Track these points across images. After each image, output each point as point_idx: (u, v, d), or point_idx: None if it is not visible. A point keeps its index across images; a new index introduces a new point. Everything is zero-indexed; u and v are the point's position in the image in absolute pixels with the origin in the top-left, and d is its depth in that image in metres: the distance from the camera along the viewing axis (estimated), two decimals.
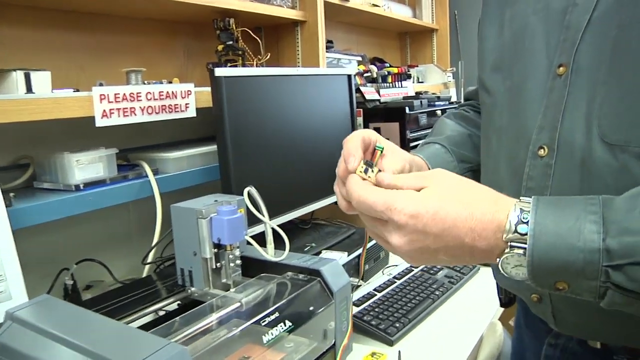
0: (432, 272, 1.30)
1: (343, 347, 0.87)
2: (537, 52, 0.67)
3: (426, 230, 0.52)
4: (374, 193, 0.56)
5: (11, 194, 0.97)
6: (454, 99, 2.26)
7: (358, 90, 1.76)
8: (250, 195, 0.92)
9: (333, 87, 1.50)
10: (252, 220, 0.94)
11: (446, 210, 0.53)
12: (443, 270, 1.31)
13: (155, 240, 1.13)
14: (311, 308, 0.89)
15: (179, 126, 1.35)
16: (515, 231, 0.51)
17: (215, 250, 0.92)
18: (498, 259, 0.52)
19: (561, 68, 0.64)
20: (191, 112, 1.21)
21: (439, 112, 1.90)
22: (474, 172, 0.86)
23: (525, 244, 0.50)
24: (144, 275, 1.14)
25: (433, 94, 2.25)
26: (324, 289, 0.89)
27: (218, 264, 0.93)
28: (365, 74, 1.88)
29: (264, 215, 0.92)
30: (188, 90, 1.20)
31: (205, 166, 1.29)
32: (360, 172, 0.61)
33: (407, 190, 0.56)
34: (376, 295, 1.17)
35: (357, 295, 1.17)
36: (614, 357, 0.67)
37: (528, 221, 0.51)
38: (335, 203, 0.68)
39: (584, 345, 0.71)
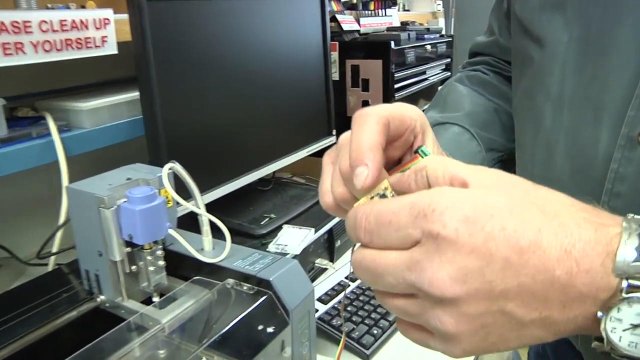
0: None
1: None
2: None
3: (490, 249, 0.29)
4: (398, 199, 0.32)
5: None
6: (443, 31, 1.97)
7: (334, 18, 1.46)
8: (175, 173, 0.66)
9: (300, 13, 1.20)
10: (187, 195, 0.69)
11: (522, 217, 0.29)
12: None
13: (61, 221, 0.87)
14: (259, 329, 0.65)
15: (104, 61, 1.06)
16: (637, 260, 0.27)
17: (128, 249, 0.67)
18: (600, 314, 0.29)
19: None
20: (110, 48, 0.91)
21: (428, 47, 1.62)
22: (504, 164, 0.61)
23: None
24: (51, 267, 0.89)
25: (420, 24, 1.95)
26: (277, 305, 0.66)
27: (133, 267, 0.69)
28: None
29: (195, 203, 0.67)
30: (105, 19, 0.90)
31: (135, 117, 1.01)
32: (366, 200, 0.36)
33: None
34: (349, 285, 0.94)
35: (325, 285, 0.94)
36: None
37: None
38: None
39: None
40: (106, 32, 0.90)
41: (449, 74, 1.85)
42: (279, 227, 1.03)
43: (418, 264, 0.29)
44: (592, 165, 0.44)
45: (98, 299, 0.71)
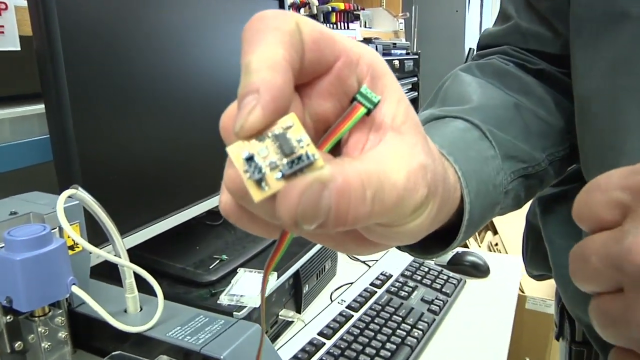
0: (401, 294, 0.88)
1: None
2: None
3: None
4: None
5: None
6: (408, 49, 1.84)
7: None
8: (83, 205, 0.45)
9: None
10: (102, 238, 0.48)
11: None
12: (417, 290, 0.90)
13: None
14: None
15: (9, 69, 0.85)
16: None
17: (9, 318, 0.46)
18: None
19: None
20: (9, 43, 0.71)
21: (396, 63, 1.47)
22: (528, 179, 0.44)
23: None
24: None
25: None
26: None
27: (17, 344, 0.47)
28: (303, 8, 1.41)
29: (114, 247, 0.46)
30: (1, 2, 0.69)
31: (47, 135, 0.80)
32: (245, 162, 0.21)
33: None
34: (324, 344, 0.74)
35: (293, 344, 0.74)
36: None
37: None
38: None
39: None
40: (3, 21, 0.69)
41: (416, 94, 1.71)
42: (233, 272, 0.82)
43: (625, 232, 0.21)
44: None
45: None
